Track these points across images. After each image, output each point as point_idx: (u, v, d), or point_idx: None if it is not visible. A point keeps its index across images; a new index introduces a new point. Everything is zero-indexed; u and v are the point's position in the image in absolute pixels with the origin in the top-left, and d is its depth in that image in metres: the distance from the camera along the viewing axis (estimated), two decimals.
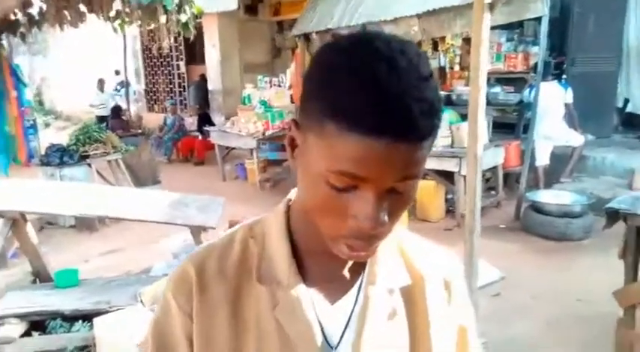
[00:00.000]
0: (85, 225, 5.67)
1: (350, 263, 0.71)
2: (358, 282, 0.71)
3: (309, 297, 0.68)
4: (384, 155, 0.55)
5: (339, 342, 0.68)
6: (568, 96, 5.92)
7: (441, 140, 5.60)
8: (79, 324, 3.20)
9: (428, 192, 5.58)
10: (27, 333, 3.23)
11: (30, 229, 3.82)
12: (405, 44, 0.58)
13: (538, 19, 5.35)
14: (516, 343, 3.25)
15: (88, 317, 3.12)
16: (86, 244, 5.30)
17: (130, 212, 3.65)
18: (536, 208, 5.12)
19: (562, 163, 6.09)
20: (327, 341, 0.67)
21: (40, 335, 3.23)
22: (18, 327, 3.20)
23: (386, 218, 0.59)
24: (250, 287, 0.69)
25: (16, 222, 3.72)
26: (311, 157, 0.60)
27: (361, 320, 0.68)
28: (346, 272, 0.71)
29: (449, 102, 6.60)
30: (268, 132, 7.19)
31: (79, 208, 3.59)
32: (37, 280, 3.87)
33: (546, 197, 5.30)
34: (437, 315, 0.73)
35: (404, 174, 0.58)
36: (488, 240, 4.11)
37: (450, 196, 5.78)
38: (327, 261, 0.69)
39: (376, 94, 0.54)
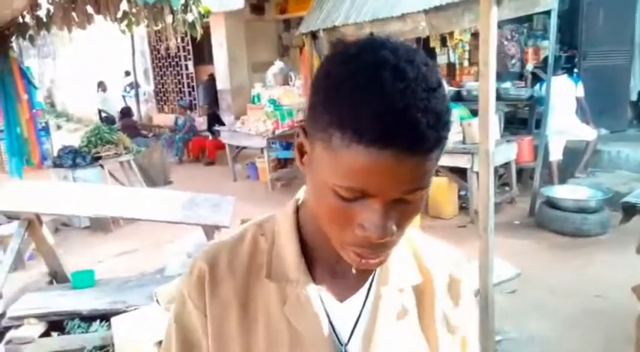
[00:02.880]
0: (100, 226, 5.70)
1: None
2: (369, 281, 0.71)
3: (318, 295, 0.68)
4: (391, 168, 0.54)
5: (348, 340, 0.68)
6: (579, 90, 5.86)
7: (453, 136, 5.57)
8: (96, 324, 3.21)
9: (441, 189, 5.55)
10: (46, 333, 3.26)
11: (45, 231, 3.85)
12: (413, 52, 0.57)
13: (547, 13, 5.30)
14: (535, 341, 3.22)
15: (105, 317, 3.13)
16: (101, 245, 5.33)
17: (143, 212, 3.66)
18: (551, 204, 5.07)
19: (576, 158, 6.03)
20: (338, 339, 0.68)
21: (59, 335, 3.25)
22: (37, 327, 3.22)
23: (394, 227, 0.59)
24: (260, 284, 0.70)
25: (32, 223, 3.75)
26: (319, 166, 0.60)
27: (372, 318, 0.68)
28: (355, 271, 0.71)
29: (459, 98, 6.55)
30: (278, 131, 7.18)
31: (94, 209, 3.61)
32: (54, 281, 3.89)
33: (561, 192, 5.25)
34: (443, 315, 0.73)
35: (412, 187, 0.57)
36: (502, 237, 4.08)
37: (463, 193, 5.74)
38: (336, 259, 0.68)
39: (382, 106, 0.53)
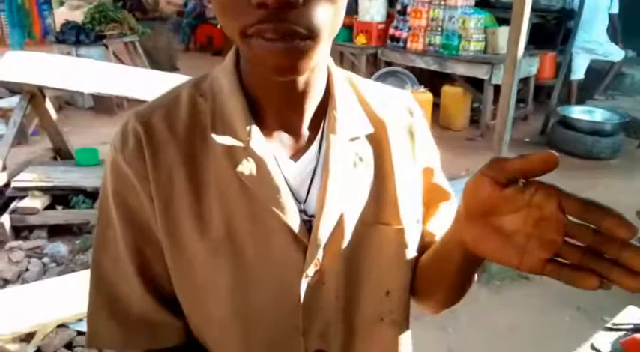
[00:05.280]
0: (103, 107, 5.61)
1: (309, 115, 0.66)
2: (319, 135, 0.66)
3: (271, 154, 0.63)
4: None
5: (306, 198, 0.64)
6: (614, 6, 5.50)
7: (474, 44, 5.32)
8: None
9: (454, 100, 5.40)
10: (51, 207, 3.30)
11: (49, 105, 3.77)
12: None
13: None
14: None
15: None
16: (104, 127, 5.25)
17: (148, 94, 3.55)
18: (565, 123, 4.96)
19: (598, 79, 5.81)
20: (295, 198, 0.63)
21: (63, 209, 3.30)
22: (42, 200, 3.26)
23: None
24: (205, 148, 0.63)
25: (35, 97, 3.65)
26: None
27: (326, 169, 0.64)
28: (306, 126, 0.66)
29: (486, 4, 6.17)
30: None
31: (97, 86, 3.49)
32: (58, 157, 3.89)
33: (577, 112, 5.11)
34: (401, 160, 0.70)
35: None
36: (511, 153, 4.01)
37: (476, 105, 5.60)
38: (285, 115, 0.64)
39: None
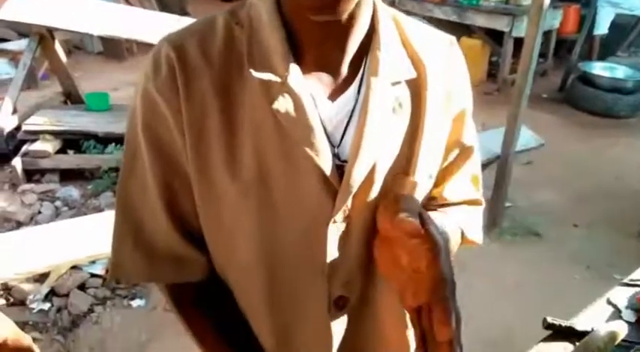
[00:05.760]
0: (113, 52, 5.51)
1: (351, 54, 0.62)
2: (359, 76, 0.62)
3: (308, 93, 0.59)
4: None
5: (340, 141, 0.62)
6: None
7: None
8: (112, 147, 3.23)
9: (472, 52, 5.23)
10: (62, 151, 3.29)
11: (58, 48, 3.70)
12: None
13: None
14: (542, 210, 3.25)
15: (120, 140, 3.11)
16: (115, 73, 5.19)
17: (159, 38, 3.46)
18: (585, 80, 4.82)
19: (622, 35, 5.59)
20: (330, 140, 0.61)
21: (74, 153, 3.29)
22: (53, 143, 3.25)
23: None
24: (240, 80, 0.59)
25: (44, 39, 3.58)
26: None
27: (363, 113, 0.61)
28: (346, 65, 0.62)
29: None
30: None
31: (107, 29, 3.40)
32: (68, 102, 3.85)
33: (598, 69, 4.96)
34: (435, 109, 0.66)
35: None
36: (528, 109, 3.92)
37: (494, 58, 5.45)
38: (325, 51, 0.61)
39: None
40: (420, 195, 0.67)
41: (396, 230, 0.55)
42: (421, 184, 0.66)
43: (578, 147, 4.07)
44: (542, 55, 5.56)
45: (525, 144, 3.20)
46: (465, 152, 0.74)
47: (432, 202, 0.73)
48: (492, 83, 5.29)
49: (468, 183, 0.77)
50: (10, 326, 0.57)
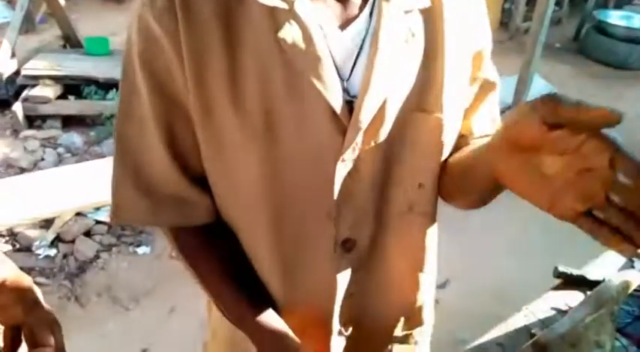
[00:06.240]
0: None
1: None
2: (370, 2, 0.58)
3: (316, 21, 0.55)
4: None
5: (349, 75, 0.58)
6: None
7: None
8: (113, 93, 3.17)
9: None
10: (63, 97, 3.23)
11: None
12: None
13: None
14: None
15: None
16: (113, 17, 5.03)
17: None
18: (600, 29, 4.66)
19: None
20: (339, 74, 0.57)
21: (75, 99, 3.23)
22: (53, 88, 3.18)
23: None
24: (244, 7, 0.55)
25: None
26: None
27: (374, 44, 0.56)
28: None
29: None
30: None
31: None
32: (67, 46, 3.75)
33: (614, 17, 4.79)
34: (453, 42, 0.61)
35: None
36: (541, 59, 3.82)
37: (507, 6, 5.26)
38: None
39: None
40: (449, 131, 0.63)
41: (551, 133, 0.46)
42: (449, 120, 0.62)
43: (589, 98, 3.94)
44: (558, 2, 5.37)
45: (538, 93, 3.13)
46: (488, 86, 0.69)
47: (461, 140, 0.68)
48: (504, 32, 5.12)
49: (492, 120, 0.72)
50: (10, 267, 0.54)
